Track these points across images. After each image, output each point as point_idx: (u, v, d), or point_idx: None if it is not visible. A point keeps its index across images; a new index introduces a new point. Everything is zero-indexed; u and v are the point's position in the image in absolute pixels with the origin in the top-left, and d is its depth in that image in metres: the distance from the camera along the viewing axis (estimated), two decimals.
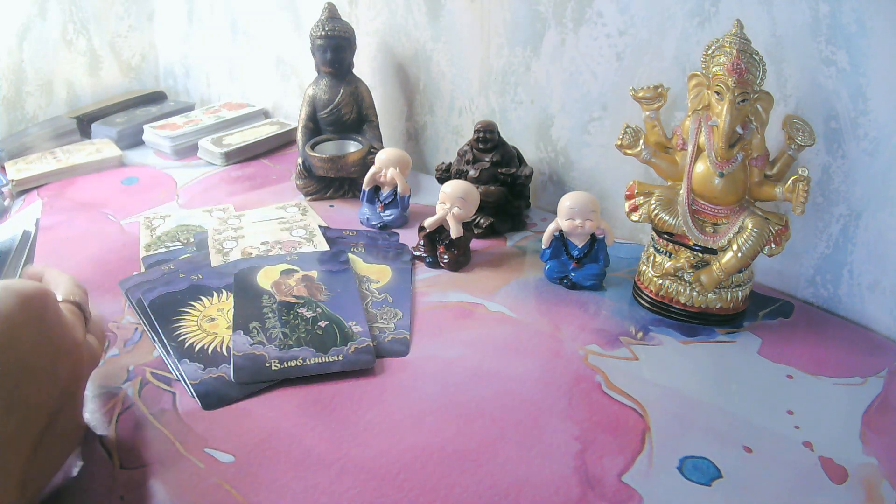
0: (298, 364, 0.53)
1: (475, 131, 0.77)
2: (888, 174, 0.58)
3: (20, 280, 0.41)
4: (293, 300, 0.61)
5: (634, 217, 0.62)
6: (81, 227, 0.78)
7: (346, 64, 0.86)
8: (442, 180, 0.78)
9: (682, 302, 0.61)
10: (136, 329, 0.59)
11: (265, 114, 1.14)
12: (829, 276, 0.65)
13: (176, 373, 0.53)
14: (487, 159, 0.76)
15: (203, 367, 0.53)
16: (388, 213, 0.78)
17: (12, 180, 0.88)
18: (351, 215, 0.81)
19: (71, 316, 0.43)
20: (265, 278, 0.64)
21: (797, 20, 0.59)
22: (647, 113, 0.62)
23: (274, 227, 0.75)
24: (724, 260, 0.58)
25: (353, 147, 0.87)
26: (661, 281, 0.62)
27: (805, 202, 0.55)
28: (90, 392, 0.51)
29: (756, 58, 0.56)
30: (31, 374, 0.37)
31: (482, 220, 0.76)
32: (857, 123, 0.59)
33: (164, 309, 0.59)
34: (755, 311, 0.63)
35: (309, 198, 0.85)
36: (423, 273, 0.69)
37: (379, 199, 0.80)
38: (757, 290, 0.65)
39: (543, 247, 0.68)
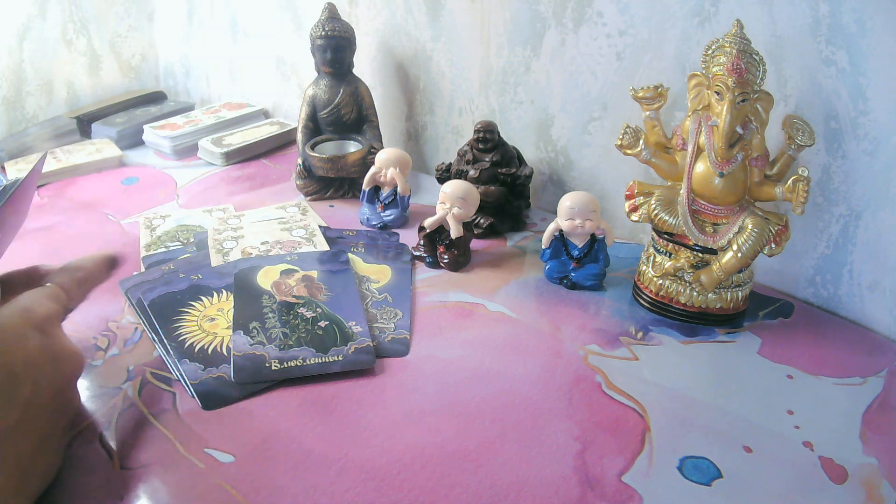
0: (298, 364, 0.53)
1: (475, 131, 0.77)
2: (888, 174, 0.58)
3: (23, 296, 0.44)
4: (293, 300, 0.61)
5: (634, 217, 0.62)
6: (81, 227, 0.78)
7: (346, 64, 0.86)
8: (442, 180, 0.78)
9: (682, 302, 0.61)
10: (136, 329, 0.59)
11: (265, 114, 1.14)
12: (829, 276, 0.65)
13: (176, 373, 0.53)
14: (487, 159, 0.76)
15: (203, 367, 0.53)
16: (388, 213, 0.78)
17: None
18: (351, 215, 0.81)
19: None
20: (265, 278, 0.64)
21: (797, 20, 0.59)
22: (647, 113, 0.62)
23: (274, 227, 0.75)
24: (724, 260, 0.58)
25: (353, 147, 0.87)
26: (661, 281, 0.62)
27: (805, 202, 0.55)
28: (90, 392, 0.51)
29: (756, 58, 0.56)
30: (34, 379, 0.40)
31: (482, 220, 0.76)
32: (857, 123, 0.59)
33: (164, 309, 0.59)
34: (755, 311, 0.63)
35: (309, 198, 0.85)
36: (423, 273, 0.69)
37: (379, 199, 0.80)
38: (757, 290, 0.65)
39: (543, 247, 0.68)
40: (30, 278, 0.50)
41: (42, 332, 0.42)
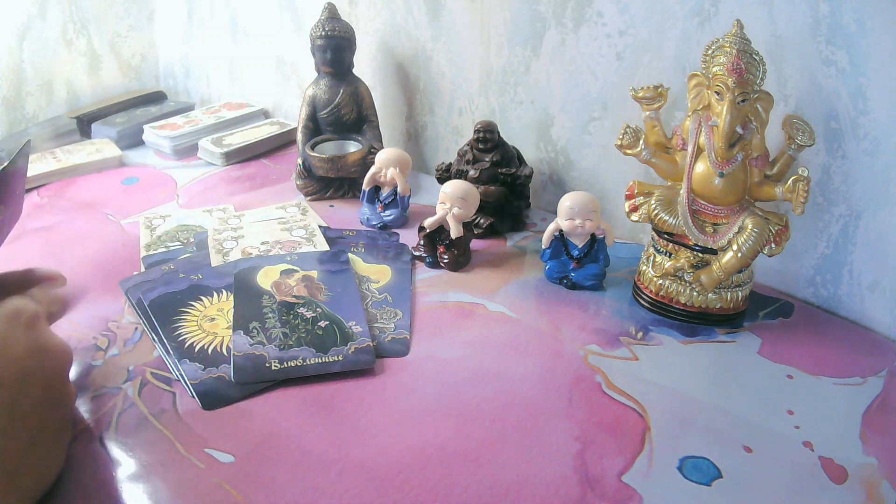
0: (298, 364, 0.53)
1: (475, 131, 0.77)
2: (888, 174, 0.58)
3: (11, 299, 0.44)
4: (293, 300, 0.61)
5: (634, 217, 0.62)
6: (81, 227, 0.78)
7: (346, 64, 0.86)
8: (442, 180, 0.78)
9: (682, 302, 0.61)
10: (136, 329, 0.59)
11: (265, 114, 1.14)
12: (829, 276, 0.65)
13: (176, 373, 0.53)
14: (487, 159, 0.76)
15: (203, 367, 0.53)
16: (388, 213, 0.78)
17: None
18: (351, 215, 0.81)
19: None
20: (265, 278, 0.64)
21: (797, 20, 0.59)
22: (647, 113, 0.62)
23: (274, 227, 0.75)
24: (724, 260, 0.58)
25: (353, 147, 0.87)
26: (661, 281, 0.62)
27: (805, 202, 0.55)
28: (90, 392, 0.51)
29: (756, 58, 0.56)
30: (21, 377, 0.40)
31: (482, 220, 0.76)
32: (857, 123, 0.59)
33: (164, 309, 0.59)
34: (755, 311, 0.63)
35: (309, 198, 0.85)
36: (423, 273, 0.69)
37: (379, 199, 0.80)
38: (757, 290, 0.65)
39: (543, 247, 0.68)
40: (25, 280, 0.51)
41: (27, 331, 0.42)
